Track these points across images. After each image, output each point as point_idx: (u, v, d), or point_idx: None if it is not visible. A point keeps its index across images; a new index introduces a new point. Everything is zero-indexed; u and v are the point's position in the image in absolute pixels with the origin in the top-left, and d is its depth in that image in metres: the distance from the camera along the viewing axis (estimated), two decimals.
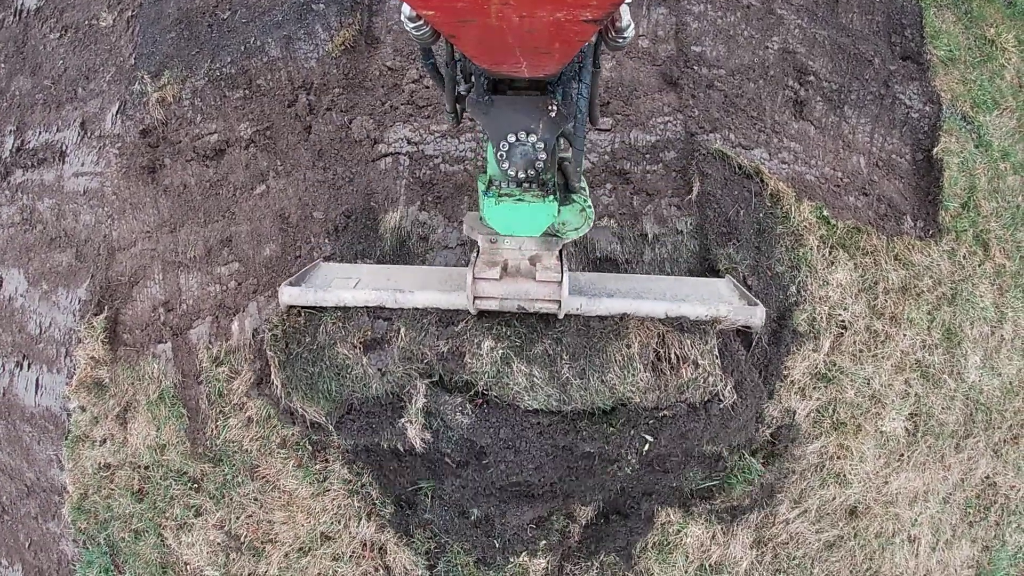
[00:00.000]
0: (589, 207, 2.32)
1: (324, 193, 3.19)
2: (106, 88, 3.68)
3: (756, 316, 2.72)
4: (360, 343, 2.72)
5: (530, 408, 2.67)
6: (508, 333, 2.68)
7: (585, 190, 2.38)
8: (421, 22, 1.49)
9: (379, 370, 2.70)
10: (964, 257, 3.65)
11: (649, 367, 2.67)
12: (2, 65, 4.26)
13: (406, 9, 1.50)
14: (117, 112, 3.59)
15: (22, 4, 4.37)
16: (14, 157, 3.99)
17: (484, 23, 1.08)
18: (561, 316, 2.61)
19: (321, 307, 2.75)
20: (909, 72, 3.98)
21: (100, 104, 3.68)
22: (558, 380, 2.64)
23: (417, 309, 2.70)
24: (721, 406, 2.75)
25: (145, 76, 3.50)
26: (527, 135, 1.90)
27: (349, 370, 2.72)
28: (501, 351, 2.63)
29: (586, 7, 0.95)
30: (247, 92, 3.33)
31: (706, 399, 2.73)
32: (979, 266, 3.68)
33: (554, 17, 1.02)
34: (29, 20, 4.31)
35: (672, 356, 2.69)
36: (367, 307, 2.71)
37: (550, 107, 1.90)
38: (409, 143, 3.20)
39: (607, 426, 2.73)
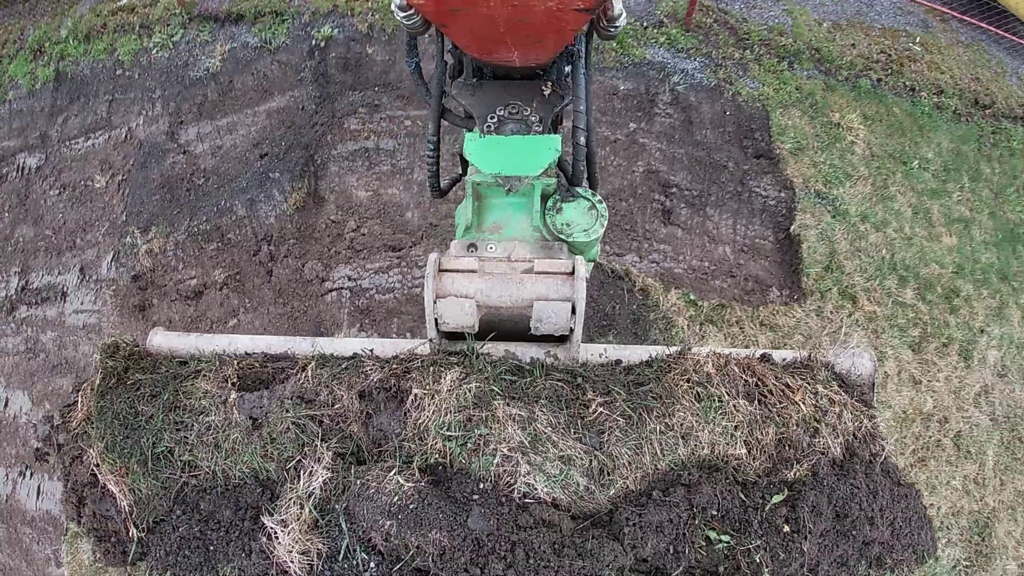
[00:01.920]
0: (601, 203, 1.81)
1: (284, 323, 4.04)
2: (101, 239, 4.52)
3: (864, 360, 1.83)
4: (235, 375, 1.71)
5: (532, 495, 1.52)
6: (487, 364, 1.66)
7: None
8: (412, 11, 1.41)
9: (251, 419, 1.64)
10: (832, 312, 4.22)
11: (743, 394, 1.66)
12: (6, 215, 5.06)
13: None
14: (112, 260, 4.41)
15: (24, 162, 5.22)
16: (19, 295, 4.74)
17: (475, 12, 1.08)
18: (577, 335, 1.63)
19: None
20: (762, 167, 4.80)
21: (96, 253, 4.51)
22: (582, 426, 1.56)
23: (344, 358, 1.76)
24: (883, 457, 1.69)
25: (135, 231, 4.36)
26: (519, 109, 1.76)
27: (201, 416, 1.64)
28: (475, 385, 1.57)
29: None
30: (220, 244, 4.21)
31: (853, 445, 1.67)
32: (849, 316, 4.20)
33: (546, 6, 1.02)
34: (31, 176, 5.14)
35: (770, 385, 1.70)
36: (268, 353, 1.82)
37: (543, 87, 1.80)
38: (349, 280, 4.10)
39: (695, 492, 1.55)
